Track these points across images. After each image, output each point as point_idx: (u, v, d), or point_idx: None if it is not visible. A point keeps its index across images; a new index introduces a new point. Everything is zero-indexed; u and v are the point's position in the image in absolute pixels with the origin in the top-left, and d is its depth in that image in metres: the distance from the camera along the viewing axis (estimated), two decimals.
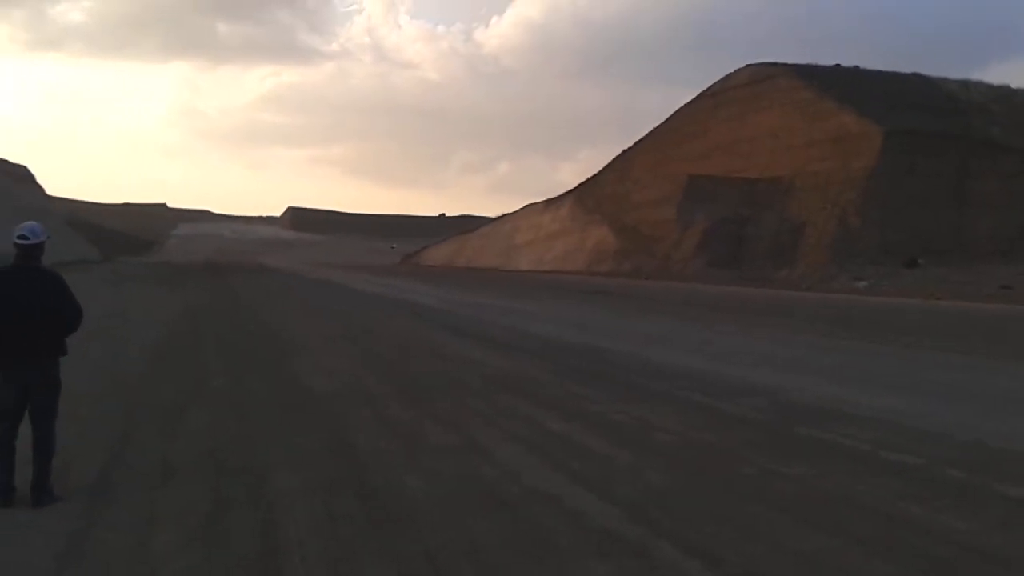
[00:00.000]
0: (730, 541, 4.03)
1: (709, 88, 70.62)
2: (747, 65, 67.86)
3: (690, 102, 72.63)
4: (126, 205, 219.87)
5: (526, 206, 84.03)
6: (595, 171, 78.77)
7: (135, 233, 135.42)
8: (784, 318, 19.65)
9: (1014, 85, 63.10)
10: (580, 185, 78.25)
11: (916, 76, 64.37)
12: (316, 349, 11.94)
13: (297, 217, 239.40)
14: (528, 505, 4.57)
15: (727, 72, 70.13)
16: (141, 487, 4.98)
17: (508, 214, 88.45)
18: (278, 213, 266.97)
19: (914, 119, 53.75)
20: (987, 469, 5.35)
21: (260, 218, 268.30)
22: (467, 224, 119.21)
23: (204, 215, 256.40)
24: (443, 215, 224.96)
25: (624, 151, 76.51)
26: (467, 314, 19.36)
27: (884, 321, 19.51)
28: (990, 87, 62.64)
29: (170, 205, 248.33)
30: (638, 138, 75.59)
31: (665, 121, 73.85)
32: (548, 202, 79.76)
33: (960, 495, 4.80)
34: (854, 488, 4.90)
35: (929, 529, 4.22)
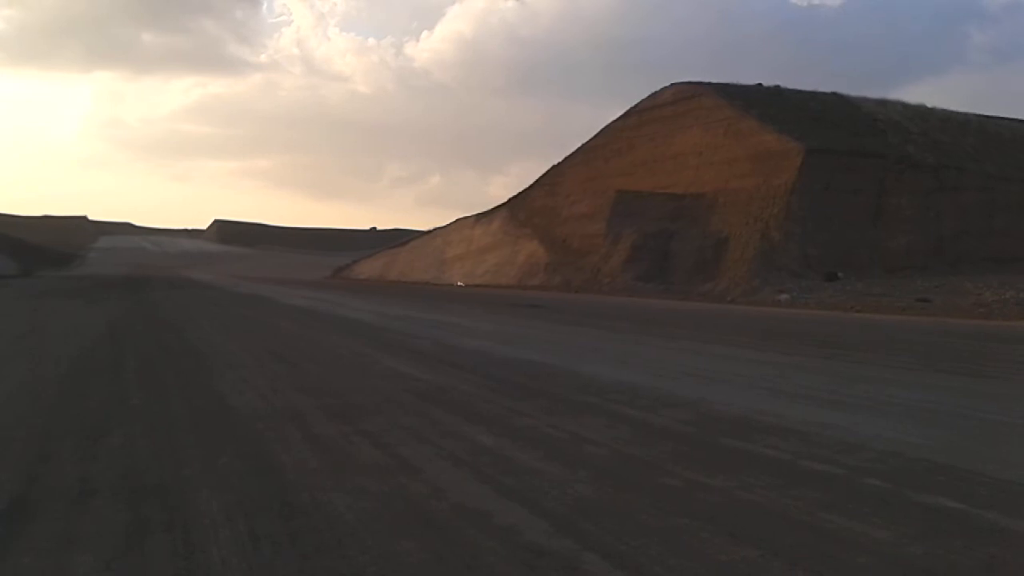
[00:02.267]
0: (657, 554, 4.07)
1: (636, 106, 71.97)
2: (672, 84, 69.32)
3: (617, 119, 73.89)
4: (45, 218, 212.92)
5: (457, 220, 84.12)
6: (526, 185, 79.35)
7: (55, 246, 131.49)
8: (709, 331, 20.01)
9: (930, 104, 65.76)
10: (511, 199, 78.72)
11: (835, 96, 66.55)
12: (242, 367, 11.71)
13: (224, 230, 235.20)
14: (456, 522, 4.55)
15: (652, 90, 71.50)
16: (59, 509, 4.80)
17: (439, 228, 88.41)
18: (204, 226, 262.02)
19: (833, 137, 55.51)
20: (905, 479, 5.51)
21: (185, 231, 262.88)
22: (398, 237, 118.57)
23: (126, 228, 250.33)
24: (374, 228, 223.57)
25: (554, 166, 77.36)
26: (399, 328, 19.24)
27: (805, 333, 20.02)
28: (906, 106, 65.14)
29: (91, 218, 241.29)
30: (567, 153, 76.54)
31: (594, 137, 74.96)
32: (479, 216, 79.99)
33: (881, 505, 4.93)
34: (777, 499, 5.00)
35: (852, 539, 4.32)
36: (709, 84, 66.94)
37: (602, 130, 74.70)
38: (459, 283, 62.81)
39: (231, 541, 4.27)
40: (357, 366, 12.00)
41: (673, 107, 66.72)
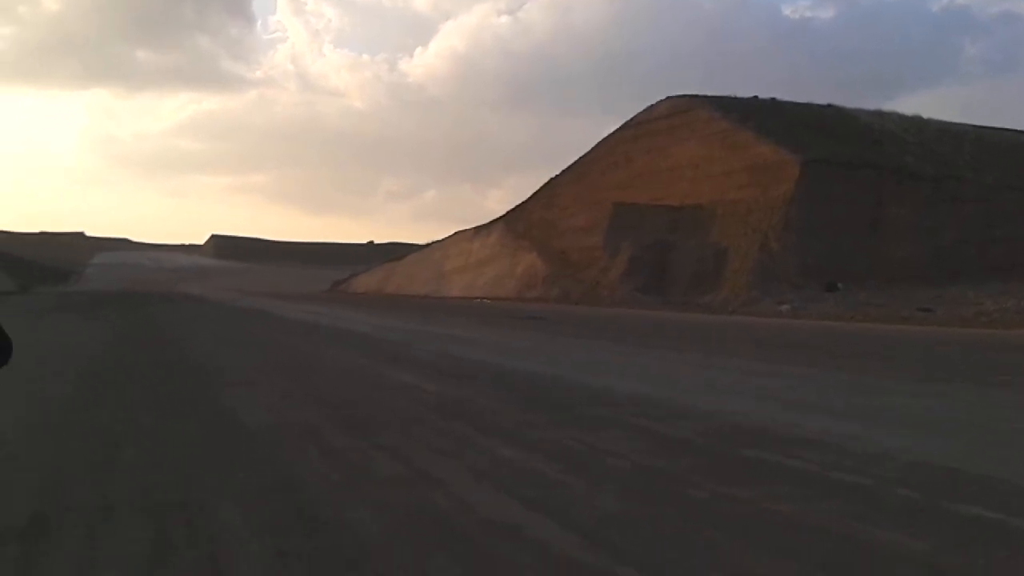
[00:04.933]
0: (694, 568, 3.99)
1: (631, 119, 72.27)
2: (667, 97, 69.68)
3: (613, 132, 74.18)
4: (43, 234, 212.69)
5: (456, 233, 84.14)
6: (522, 199, 79.49)
7: (52, 263, 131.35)
8: (715, 343, 19.96)
9: (925, 116, 66.05)
10: (509, 212, 78.82)
11: (832, 107, 66.82)
12: (249, 382, 11.63)
13: (220, 245, 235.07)
14: (487, 536, 4.47)
15: (646, 104, 71.82)
16: (78, 528, 4.71)
17: (437, 241, 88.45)
18: (201, 241, 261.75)
19: (831, 148, 55.70)
20: (937, 489, 5.44)
21: (182, 246, 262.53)
22: (395, 251, 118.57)
23: (123, 244, 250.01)
24: (371, 242, 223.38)
25: (551, 179, 77.49)
26: (403, 341, 19.17)
27: (811, 344, 19.97)
28: (903, 117, 65.43)
29: (88, 234, 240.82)
30: (564, 166, 76.80)
31: (590, 151, 75.19)
32: (478, 229, 79.99)
33: (915, 515, 4.85)
34: (808, 510, 4.92)
35: (890, 551, 4.25)
36: (705, 97, 67.26)
37: (598, 144, 74.95)
38: (485, 300, 62.43)
39: (258, 558, 4.18)
40: (365, 379, 11.93)
41: (669, 120, 66.98)
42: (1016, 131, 66.77)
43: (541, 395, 10.09)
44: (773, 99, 68.32)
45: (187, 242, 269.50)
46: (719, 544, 4.33)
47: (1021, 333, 26.39)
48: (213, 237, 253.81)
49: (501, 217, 78.93)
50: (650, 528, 4.59)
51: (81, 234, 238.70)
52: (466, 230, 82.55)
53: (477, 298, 64.73)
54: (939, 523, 4.69)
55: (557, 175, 76.50)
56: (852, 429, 7.62)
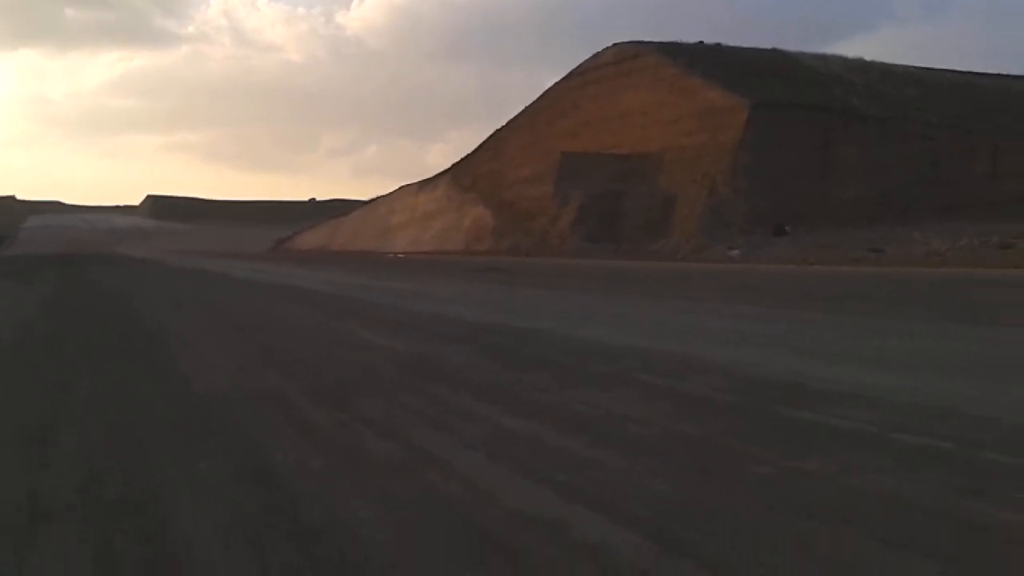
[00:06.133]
0: (801, 572, 3.14)
1: (578, 67, 71.04)
2: (614, 44, 68.53)
3: (560, 81, 72.95)
4: None
5: (400, 187, 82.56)
6: (465, 152, 78.06)
7: None
8: (687, 289, 19.27)
9: (868, 58, 65.96)
10: (455, 165, 77.41)
11: (776, 51, 66.42)
12: (203, 344, 10.49)
13: (157, 205, 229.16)
14: (526, 536, 3.54)
15: (589, 52, 70.60)
16: (3, 539, 3.69)
17: (382, 196, 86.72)
18: (137, 202, 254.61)
19: (778, 92, 55.29)
20: None
21: (117, 207, 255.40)
22: (339, 208, 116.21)
23: (57, 206, 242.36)
24: (313, 199, 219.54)
25: (497, 130, 76.13)
26: (359, 296, 18.10)
27: (782, 288, 19.43)
28: (846, 60, 65.31)
29: (20, 197, 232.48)
30: (506, 118, 75.37)
31: (537, 100, 73.91)
32: (423, 183, 78.49)
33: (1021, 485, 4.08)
34: (900, 485, 4.10)
35: (1012, 532, 3.45)
36: (651, 43, 66.27)
37: (545, 92, 73.68)
38: (399, 254, 61.06)
39: None
40: (325, 338, 10.87)
41: (616, 67, 65.90)
42: (954, 71, 67.16)
43: (528, 351, 9.18)
44: (718, 44, 67.68)
45: (122, 203, 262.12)
46: (824, 539, 3.46)
47: (978, 271, 26.32)
48: (149, 197, 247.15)
49: (447, 170, 77.47)
50: (728, 520, 3.70)
51: (12, 197, 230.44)
52: (411, 184, 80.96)
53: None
54: None
55: (503, 125, 75.17)
56: (887, 379, 6.87)
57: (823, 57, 65.84)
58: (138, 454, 5.18)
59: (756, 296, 16.55)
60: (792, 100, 54.11)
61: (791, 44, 67.89)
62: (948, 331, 10.43)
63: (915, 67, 65.50)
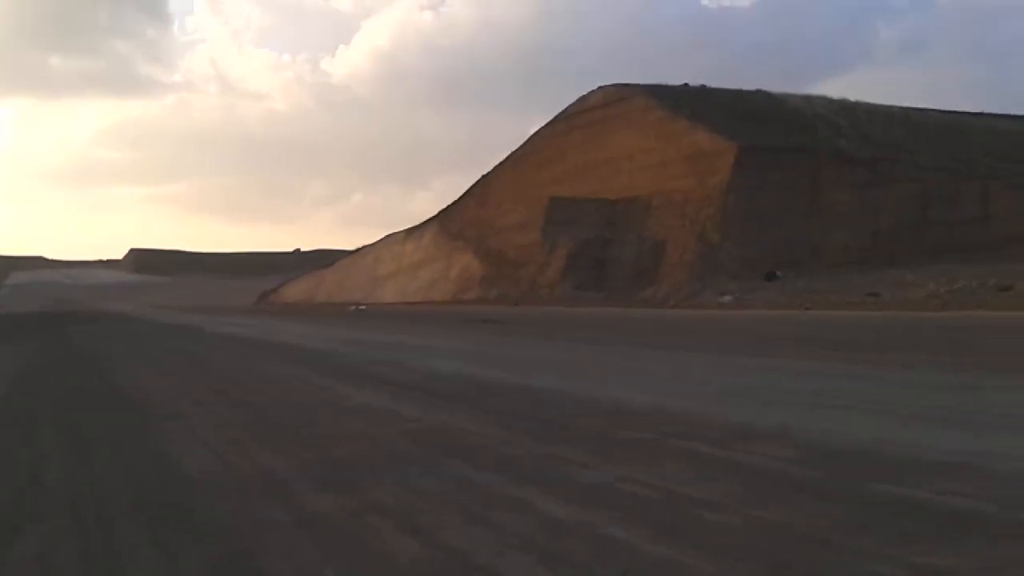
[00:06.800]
0: None
1: (564, 111, 70.92)
2: (600, 87, 68.45)
3: (546, 125, 72.77)
4: None
5: (387, 236, 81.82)
6: (452, 199, 77.56)
7: None
8: (695, 339, 18.46)
9: (852, 99, 66.09)
10: (442, 212, 76.85)
11: (761, 93, 66.49)
12: (187, 415, 9.54)
13: (140, 259, 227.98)
14: None
15: (578, 95, 70.49)
16: None
17: (368, 245, 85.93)
18: (120, 256, 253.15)
19: (765, 134, 55.09)
20: None
21: (100, 262, 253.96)
22: (324, 258, 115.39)
23: (39, 261, 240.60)
24: (298, 250, 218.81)
25: (484, 176, 75.75)
26: (353, 354, 17.16)
27: (795, 335, 18.67)
28: (831, 101, 65.39)
29: (1, 253, 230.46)
30: (495, 163, 75.03)
31: (522, 145, 73.64)
32: (410, 231, 77.82)
33: None
34: None
35: None
36: (638, 86, 66.21)
37: (531, 137, 73.47)
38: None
39: None
40: (323, 404, 9.95)
41: (603, 110, 65.75)
42: (939, 111, 67.36)
43: (548, 415, 8.28)
44: (703, 86, 67.78)
45: (105, 257, 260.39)
46: None
47: (981, 314, 25.74)
48: (132, 251, 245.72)
49: (434, 217, 76.85)
50: None
51: None
52: (398, 232, 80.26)
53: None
54: None
55: (489, 172, 74.73)
56: (976, 442, 6.04)
57: (808, 98, 65.91)
58: (109, 557, 4.26)
59: (772, 346, 15.76)
60: (780, 143, 53.90)
61: (776, 86, 67.65)
62: (1002, 383, 9.64)
63: (899, 107, 65.61)
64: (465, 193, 75.55)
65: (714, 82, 69.28)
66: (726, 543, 4.09)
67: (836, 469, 5.48)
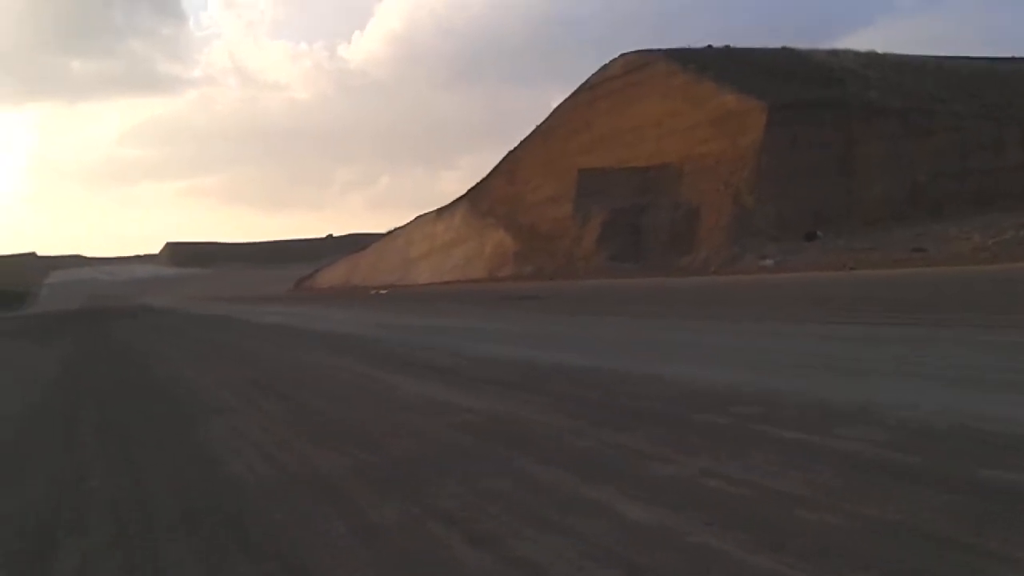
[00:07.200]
0: None
1: (587, 81, 70.01)
2: (621, 55, 67.41)
3: (569, 97, 71.94)
4: None
5: (418, 217, 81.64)
6: (479, 176, 77.09)
7: (5, 286, 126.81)
8: (749, 307, 17.88)
9: (879, 51, 64.38)
10: (471, 190, 76.44)
11: (786, 50, 65.11)
12: (231, 410, 9.24)
13: (176, 252, 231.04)
14: None
15: (596, 64, 69.59)
16: None
17: (399, 228, 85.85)
18: (156, 250, 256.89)
19: (793, 91, 53.80)
20: None
21: (137, 257, 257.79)
22: (356, 242, 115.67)
23: (76, 260, 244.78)
24: (330, 236, 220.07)
25: (511, 151, 75.18)
26: (398, 339, 16.84)
27: (857, 297, 18.00)
28: (858, 54, 63.74)
29: (39, 253, 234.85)
30: (519, 138, 74.39)
31: (548, 117, 72.94)
32: (440, 211, 77.53)
33: None
34: None
35: None
36: (659, 51, 65.08)
37: (555, 110, 72.71)
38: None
39: None
40: (373, 396, 9.60)
41: (625, 78, 64.76)
42: (969, 58, 65.39)
43: (613, 400, 7.84)
44: (727, 47, 66.47)
45: (142, 252, 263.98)
46: None
47: None
48: (168, 245, 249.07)
49: (464, 196, 76.47)
50: None
51: (32, 254, 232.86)
52: (428, 213, 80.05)
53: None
54: None
55: (516, 147, 74.13)
56: None
57: (834, 52, 64.33)
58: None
59: (828, 310, 15.17)
60: (810, 99, 52.59)
61: (790, 43, 66.14)
62: None
63: (932, 56, 63.79)
64: (493, 170, 75.06)
65: (735, 42, 67.90)
66: (833, 549, 3.64)
67: (935, 452, 4.99)
